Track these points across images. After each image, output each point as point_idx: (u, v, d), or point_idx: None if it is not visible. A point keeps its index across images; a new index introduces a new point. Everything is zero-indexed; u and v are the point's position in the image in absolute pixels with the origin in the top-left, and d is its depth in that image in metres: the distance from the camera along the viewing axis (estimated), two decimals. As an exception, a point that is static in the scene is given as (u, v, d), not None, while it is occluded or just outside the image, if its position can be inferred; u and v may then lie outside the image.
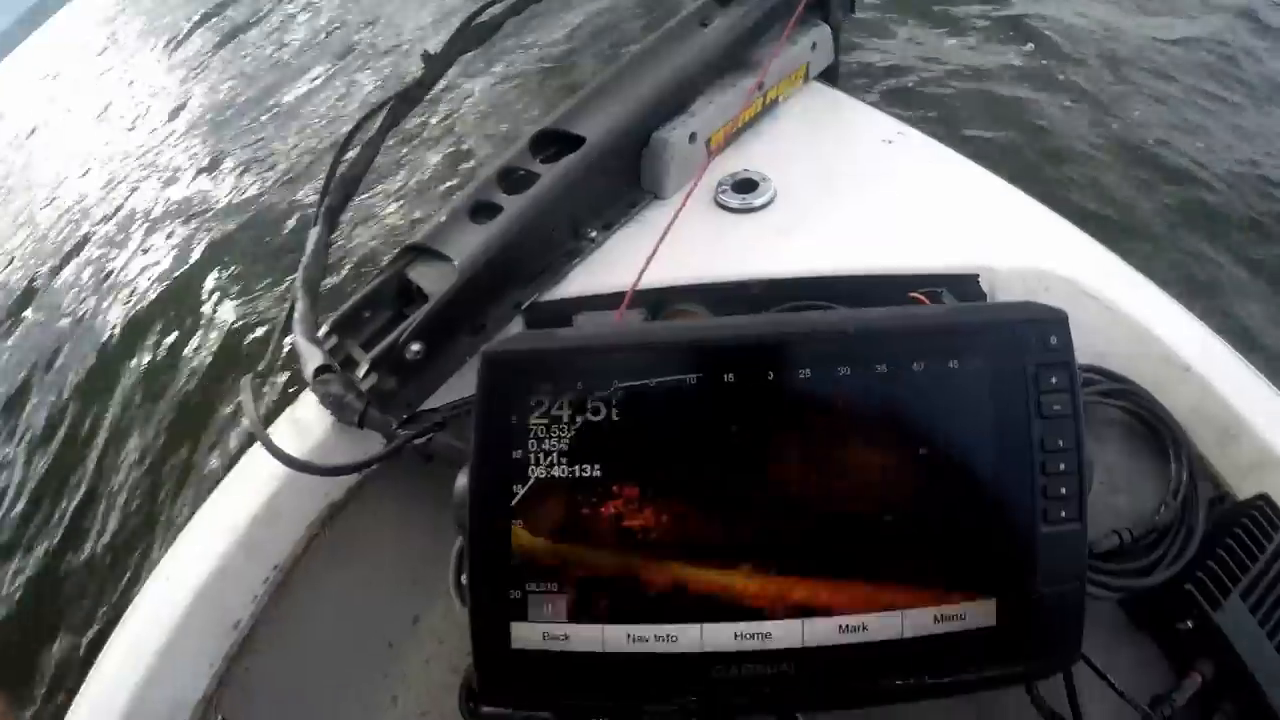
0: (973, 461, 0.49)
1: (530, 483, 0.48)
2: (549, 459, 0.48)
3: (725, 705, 0.50)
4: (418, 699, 0.75)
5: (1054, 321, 0.50)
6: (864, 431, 0.49)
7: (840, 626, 0.48)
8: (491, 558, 0.49)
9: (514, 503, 0.48)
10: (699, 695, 0.49)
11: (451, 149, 3.21)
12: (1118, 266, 0.90)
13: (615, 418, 0.48)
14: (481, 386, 0.50)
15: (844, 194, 0.96)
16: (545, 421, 0.48)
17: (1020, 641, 0.49)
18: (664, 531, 0.48)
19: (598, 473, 0.48)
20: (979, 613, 0.49)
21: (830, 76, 1.16)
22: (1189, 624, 0.69)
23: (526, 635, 0.49)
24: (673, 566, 0.48)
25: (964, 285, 0.86)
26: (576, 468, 0.48)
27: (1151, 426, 0.81)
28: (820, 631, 0.48)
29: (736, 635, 0.48)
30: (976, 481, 0.49)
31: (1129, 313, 0.85)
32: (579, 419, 0.48)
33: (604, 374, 0.49)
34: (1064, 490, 0.49)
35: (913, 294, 0.83)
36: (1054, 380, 0.49)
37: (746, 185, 0.97)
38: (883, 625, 0.48)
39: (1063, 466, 0.49)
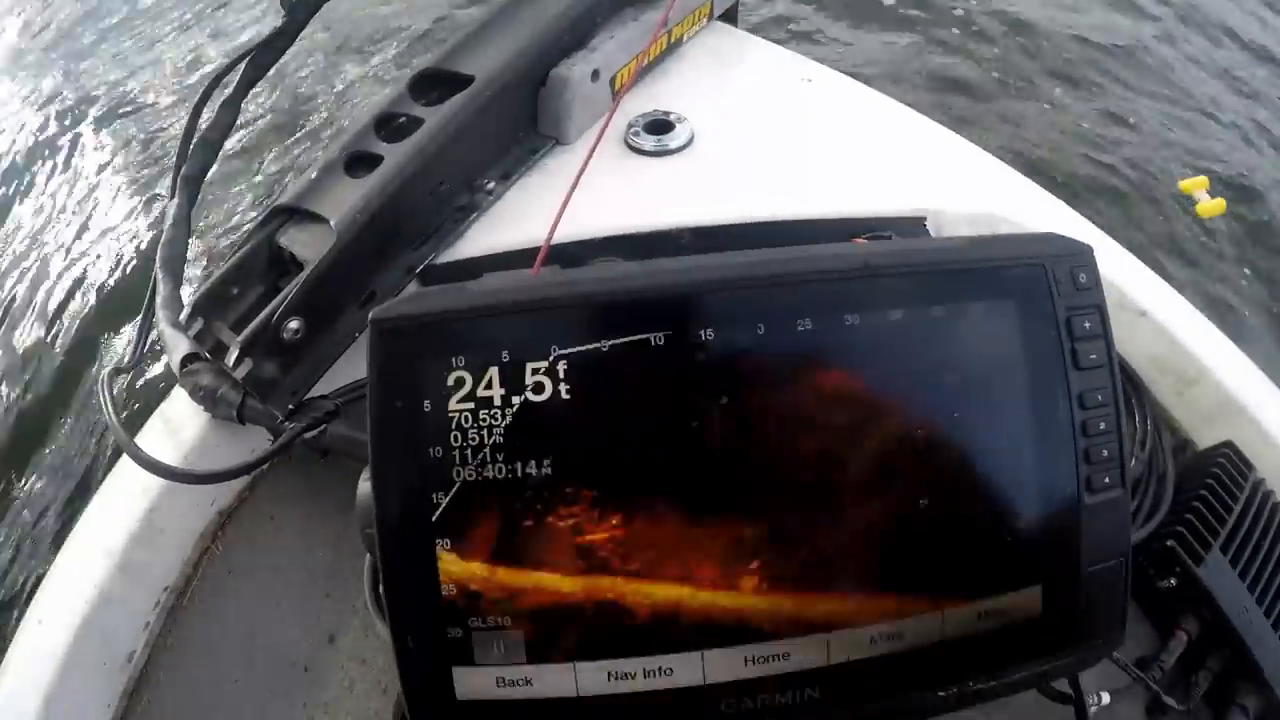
0: (1011, 426, 0.41)
1: (455, 489, 0.38)
2: (479, 456, 0.38)
3: None
4: None
5: (1081, 255, 0.44)
6: (883, 396, 0.40)
7: (872, 637, 0.40)
8: (415, 589, 0.38)
9: (435, 517, 0.38)
10: None
11: (318, 97, 2.91)
12: (1061, 209, 0.89)
13: (564, 395, 0.38)
14: (375, 364, 0.39)
15: (767, 135, 0.91)
16: (470, 406, 0.38)
17: (1067, 630, 0.44)
18: (639, 542, 0.38)
19: (547, 470, 0.38)
20: (1024, 603, 0.42)
21: (730, 17, 1.09)
22: (1172, 581, 0.68)
23: (475, 683, 0.39)
24: (655, 585, 0.39)
25: (910, 228, 0.82)
26: (518, 465, 0.38)
27: None
28: (848, 646, 0.40)
29: (747, 660, 0.39)
30: (1018, 450, 0.42)
31: None
32: (515, 400, 0.38)
33: (539, 338, 0.38)
34: (1106, 453, 0.43)
35: (856, 239, 0.77)
36: (1087, 325, 0.43)
37: (661, 126, 0.89)
38: (921, 630, 0.41)
39: (1103, 426, 0.43)
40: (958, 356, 0.41)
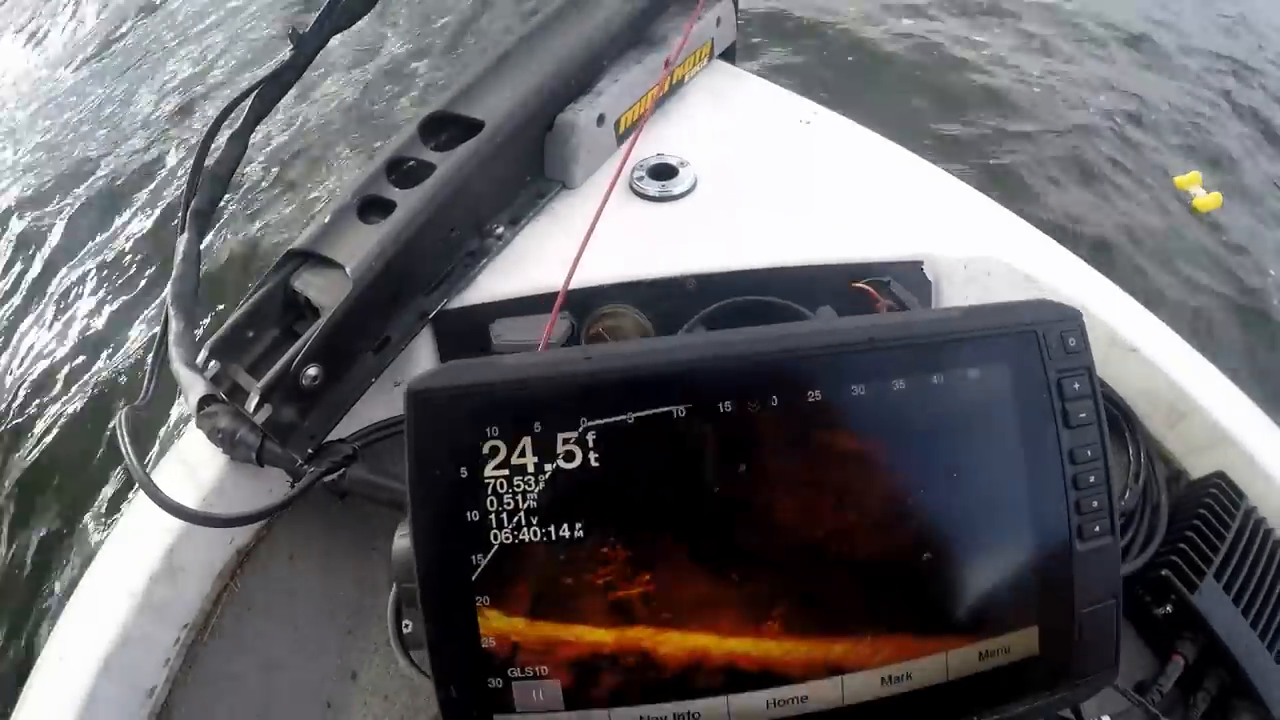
0: (1006, 483, 0.45)
1: (494, 551, 0.40)
2: (515, 520, 0.40)
3: None
4: None
5: (1071, 320, 0.47)
6: (888, 459, 0.43)
7: (883, 679, 0.43)
8: (457, 642, 0.41)
9: (475, 576, 0.40)
10: None
11: (326, 138, 2.91)
12: (1054, 250, 0.90)
13: (594, 463, 0.41)
14: (414, 433, 0.41)
15: (768, 179, 0.92)
16: (505, 473, 0.40)
17: (1063, 667, 0.47)
18: (668, 596, 0.41)
19: (580, 532, 0.41)
20: (1022, 643, 0.45)
21: (729, 55, 1.11)
22: (1168, 608, 0.70)
23: None
24: (684, 635, 0.41)
25: (907, 273, 0.84)
26: (552, 528, 0.40)
27: (1105, 411, 0.83)
28: (862, 687, 0.43)
29: (769, 704, 0.42)
30: (1012, 505, 0.45)
31: (1071, 296, 0.84)
32: (548, 467, 0.40)
33: (570, 410, 0.41)
34: (1096, 504, 0.46)
35: (856, 284, 0.80)
36: (1076, 386, 0.46)
37: (664, 171, 0.91)
38: (928, 670, 0.44)
39: (1093, 479, 0.46)
40: (956, 420, 0.44)
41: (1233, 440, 0.79)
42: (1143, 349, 0.82)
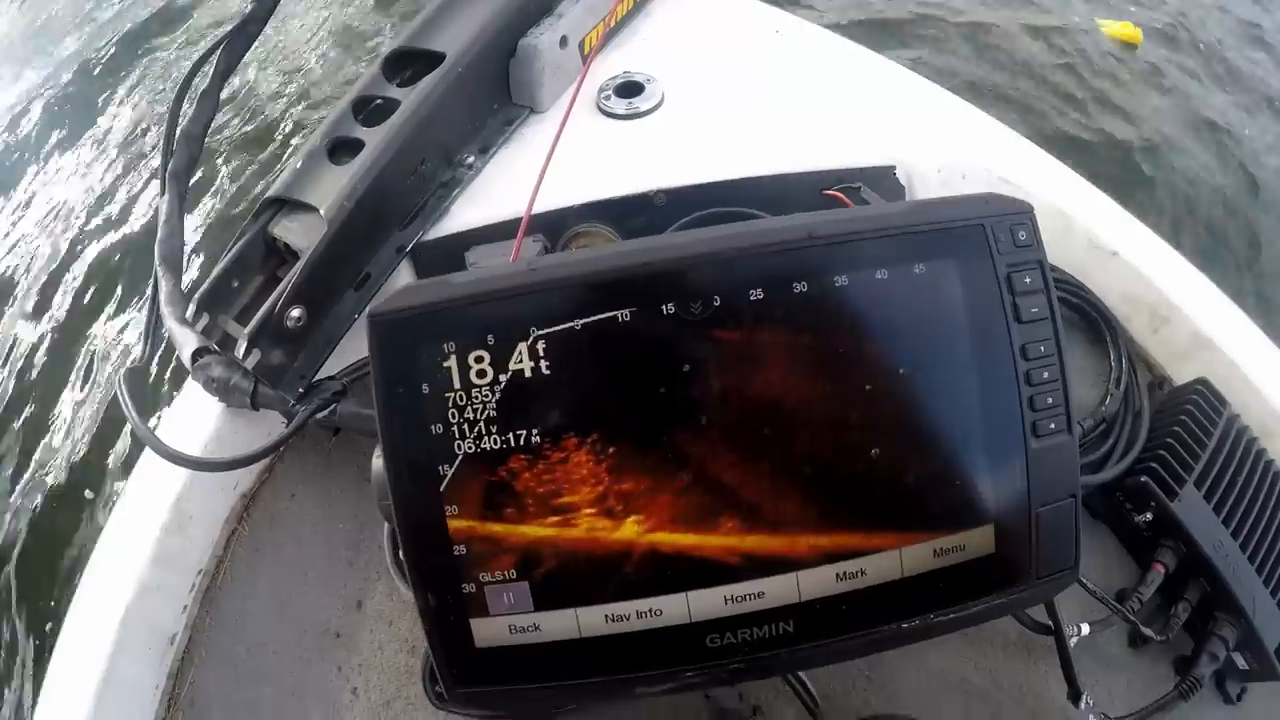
0: (956, 379, 0.45)
1: (459, 460, 0.42)
2: (476, 430, 0.42)
3: (724, 676, 0.46)
4: (380, 688, 0.71)
5: (1020, 214, 0.46)
6: (834, 356, 0.43)
7: (838, 574, 0.45)
8: (431, 551, 0.43)
9: (443, 487, 0.42)
10: (694, 668, 0.45)
11: (291, 83, 2.87)
12: (1033, 151, 0.89)
13: (545, 370, 0.42)
14: (377, 356, 0.43)
15: (737, 90, 0.91)
16: (463, 386, 0.42)
17: (1020, 566, 0.47)
18: (624, 495, 0.43)
19: (536, 438, 0.42)
20: (977, 541, 0.46)
21: None
22: (1148, 516, 0.70)
23: (491, 632, 0.44)
24: (642, 533, 0.43)
25: (880, 179, 0.83)
26: (510, 435, 0.42)
27: (1085, 314, 0.81)
28: (816, 583, 0.44)
29: (727, 599, 0.44)
30: (962, 400, 0.45)
31: (1051, 200, 0.83)
32: (502, 378, 0.42)
33: (519, 320, 0.42)
34: (1050, 400, 0.46)
35: (828, 191, 0.79)
36: (1028, 281, 0.46)
37: (631, 88, 0.90)
38: (881, 567, 0.45)
39: (1046, 375, 0.46)
40: (903, 316, 0.44)
41: (1216, 346, 0.78)
42: (1123, 252, 0.81)
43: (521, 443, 0.43)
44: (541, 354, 0.42)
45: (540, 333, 0.42)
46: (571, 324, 0.42)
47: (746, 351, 0.43)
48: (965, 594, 0.47)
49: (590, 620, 0.44)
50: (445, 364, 0.42)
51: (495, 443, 0.43)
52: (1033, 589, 0.49)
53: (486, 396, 0.42)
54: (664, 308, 0.43)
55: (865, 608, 0.45)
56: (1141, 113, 2.52)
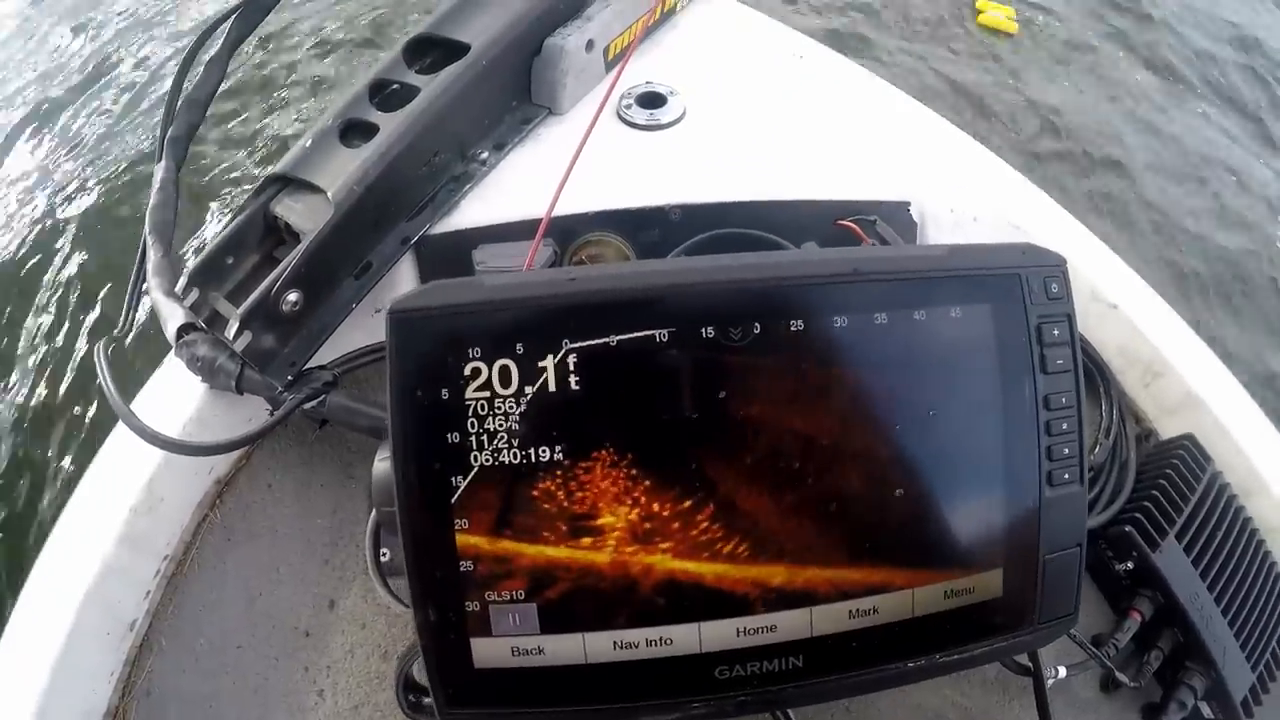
0: (980, 423, 0.45)
1: (474, 472, 0.41)
2: (495, 442, 0.40)
3: (730, 709, 0.45)
4: (348, 692, 0.69)
5: (1055, 266, 0.47)
6: (867, 393, 0.43)
7: (851, 611, 0.44)
8: (435, 566, 0.41)
9: (455, 499, 0.41)
10: (700, 700, 0.44)
11: (311, 59, 2.80)
12: (1044, 200, 0.90)
13: (574, 386, 0.41)
14: (396, 354, 0.41)
15: (758, 112, 0.90)
16: (486, 395, 0.40)
17: (1025, 611, 0.48)
18: (645, 519, 0.41)
19: (559, 455, 0.41)
20: (986, 584, 0.46)
21: None
22: (1129, 565, 0.72)
23: (492, 652, 0.42)
24: (659, 560, 0.42)
25: (894, 214, 0.83)
26: (532, 450, 0.41)
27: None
28: (830, 619, 0.44)
29: (740, 631, 0.43)
30: (985, 445, 0.45)
31: (1056, 248, 0.83)
32: (529, 389, 0.40)
33: (551, 331, 0.41)
34: (1067, 451, 0.47)
35: (842, 221, 0.79)
36: (1056, 333, 0.46)
37: (653, 99, 0.89)
38: (893, 606, 0.45)
39: (1065, 427, 0.46)
40: (936, 357, 0.44)
41: (1205, 405, 0.80)
42: (1123, 306, 0.82)
43: (543, 458, 0.41)
44: (572, 368, 0.41)
45: (573, 346, 0.41)
46: (607, 339, 0.41)
47: (782, 382, 0.43)
48: (971, 636, 0.47)
49: (597, 646, 0.43)
50: (468, 370, 0.41)
51: (515, 457, 0.41)
52: (1034, 634, 0.49)
53: (510, 408, 0.41)
54: (704, 331, 0.42)
55: (875, 645, 0.45)
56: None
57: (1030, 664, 0.64)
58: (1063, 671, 0.69)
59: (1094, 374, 0.83)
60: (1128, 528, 0.72)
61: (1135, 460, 0.79)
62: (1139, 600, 0.72)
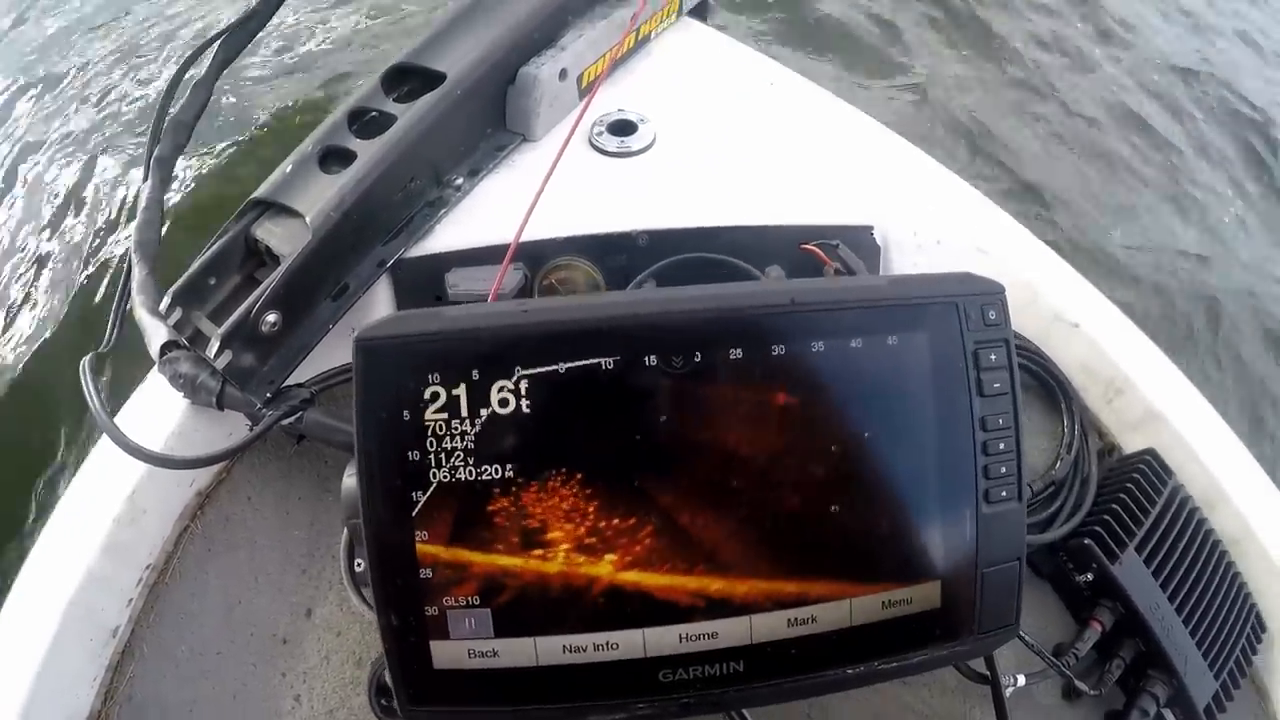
0: (916, 444, 0.47)
1: (433, 488, 0.43)
2: (452, 460, 0.43)
3: (674, 710, 0.48)
4: (323, 697, 0.71)
5: (992, 294, 0.49)
6: (803, 417, 0.46)
7: (789, 620, 0.47)
8: (398, 573, 0.44)
9: (415, 512, 0.43)
10: (645, 701, 0.47)
11: (293, 86, 2.83)
12: (1008, 222, 0.92)
13: (525, 410, 0.43)
14: (361, 379, 0.44)
15: (727, 139, 0.93)
16: (444, 416, 0.43)
17: (964, 621, 0.50)
18: (591, 534, 0.44)
19: (510, 473, 0.43)
20: (924, 596, 0.48)
21: (700, 13, 1.10)
22: (1089, 576, 0.74)
23: (450, 654, 0.45)
24: (605, 571, 0.45)
25: (857, 237, 0.85)
26: (485, 469, 0.43)
27: (1044, 382, 0.85)
28: (768, 627, 0.46)
29: (682, 638, 0.46)
30: (921, 465, 0.47)
31: (1020, 270, 0.86)
32: (483, 412, 0.43)
33: (505, 360, 0.43)
34: (1004, 470, 0.49)
35: (805, 245, 0.81)
36: (993, 358, 0.48)
37: (624, 127, 0.91)
38: (831, 615, 0.47)
39: (1002, 446, 0.48)
40: (872, 383, 0.47)
41: (1166, 420, 0.82)
42: (1085, 325, 0.85)
43: (496, 476, 0.44)
44: (524, 393, 0.43)
45: (524, 372, 0.43)
46: (555, 367, 0.44)
47: (721, 407, 0.45)
48: (910, 644, 0.49)
49: (548, 649, 0.45)
50: (427, 393, 0.43)
51: (470, 474, 0.44)
52: (974, 643, 0.51)
53: (465, 428, 0.43)
54: (647, 359, 0.44)
55: (814, 652, 0.47)
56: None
57: (988, 672, 0.66)
58: (1022, 680, 0.70)
59: (1055, 391, 0.85)
60: (1087, 540, 0.74)
61: (1097, 475, 0.81)
62: (1099, 610, 0.74)
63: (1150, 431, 0.83)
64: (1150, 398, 0.83)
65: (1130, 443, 0.85)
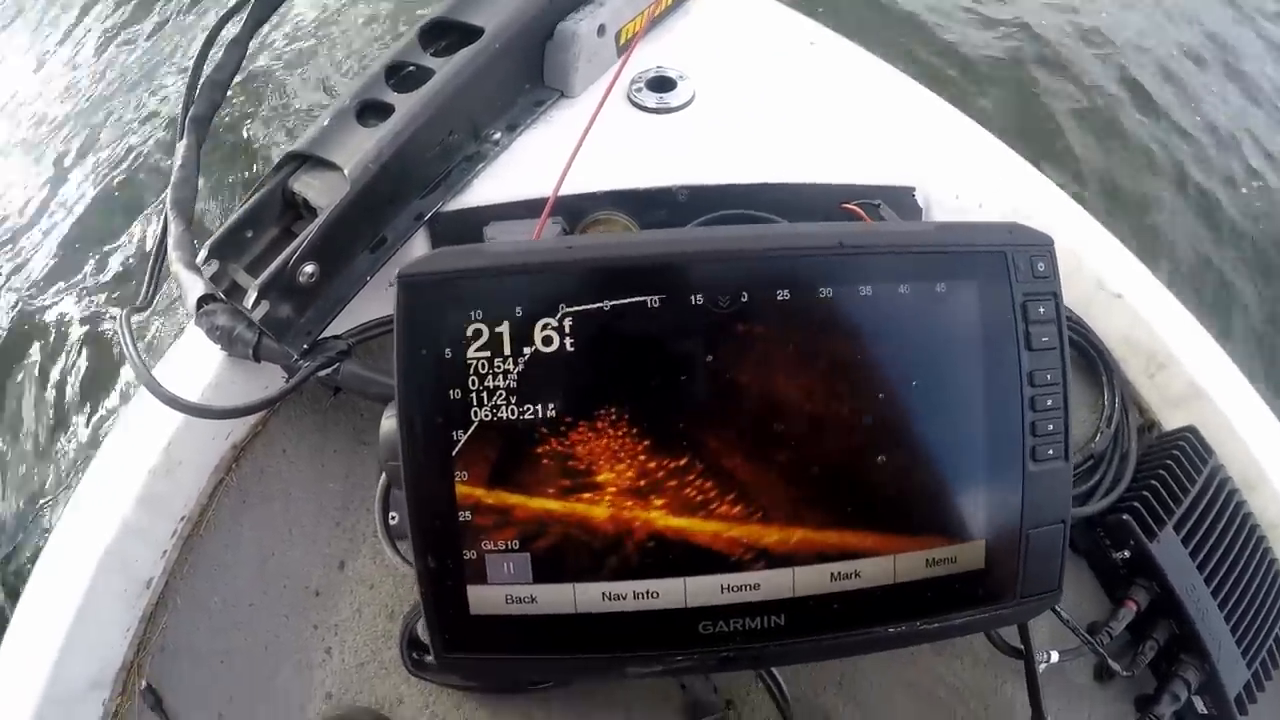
0: (964, 397, 0.46)
1: (474, 427, 0.43)
2: (494, 399, 0.42)
3: (712, 663, 0.47)
4: (354, 650, 0.71)
5: (1041, 246, 0.48)
6: (851, 363, 0.45)
7: (832, 574, 0.46)
8: (436, 515, 0.43)
9: (455, 452, 0.43)
10: (685, 653, 0.46)
11: (328, 41, 2.83)
12: (1050, 189, 0.90)
13: (569, 348, 0.42)
14: (403, 316, 0.43)
15: (767, 97, 0.91)
16: (486, 354, 0.42)
17: (1007, 584, 0.48)
18: (635, 478, 0.43)
19: (553, 413, 0.43)
20: (969, 555, 0.47)
21: None
22: (1125, 553, 0.72)
23: (487, 599, 0.44)
24: (648, 516, 0.44)
25: (899, 198, 0.84)
26: (528, 407, 0.43)
27: (1084, 352, 0.83)
28: (811, 580, 0.45)
29: (723, 588, 0.45)
30: (968, 418, 0.46)
31: (1064, 237, 0.83)
32: (526, 350, 0.42)
33: (549, 296, 0.43)
34: (1051, 427, 0.47)
35: (846, 205, 0.80)
36: (1041, 310, 0.47)
37: (663, 83, 0.90)
38: (875, 571, 0.46)
39: (1050, 403, 0.47)
40: (920, 331, 0.45)
41: (1208, 397, 0.80)
42: (1128, 296, 0.83)
43: (539, 415, 0.43)
44: (568, 331, 0.43)
45: (569, 310, 0.43)
46: (600, 304, 0.43)
47: (768, 349, 0.44)
48: (952, 605, 0.48)
49: (587, 597, 0.45)
50: (470, 331, 0.43)
51: (513, 413, 0.43)
52: (1016, 607, 0.50)
53: (508, 367, 0.43)
54: (693, 298, 0.43)
55: (856, 609, 0.47)
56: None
57: (1022, 645, 0.65)
58: (1055, 656, 0.69)
59: (1096, 362, 0.83)
60: (1125, 516, 0.72)
61: (1136, 450, 0.79)
62: (1135, 590, 0.73)
63: (1191, 409, 0.81)
64: (1193, 374, 0.81)
65: (1170, 419, 0.83)
